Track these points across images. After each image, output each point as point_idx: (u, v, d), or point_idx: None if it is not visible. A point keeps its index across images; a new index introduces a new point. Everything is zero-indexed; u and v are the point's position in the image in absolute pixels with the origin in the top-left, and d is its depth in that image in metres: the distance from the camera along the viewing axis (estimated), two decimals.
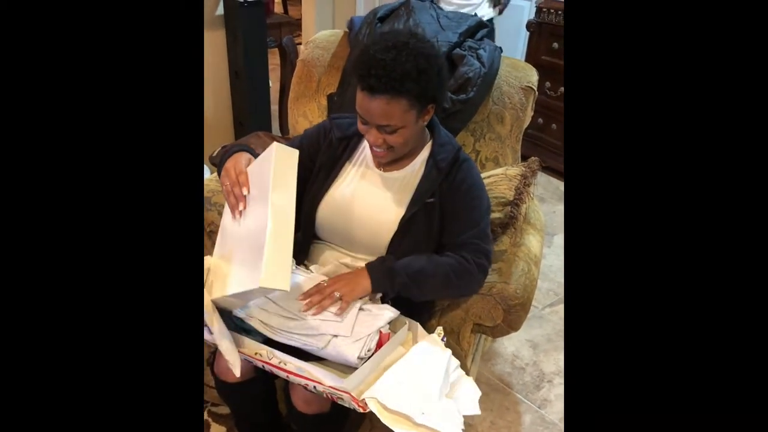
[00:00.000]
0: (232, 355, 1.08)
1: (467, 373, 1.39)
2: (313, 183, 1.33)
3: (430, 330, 1.21)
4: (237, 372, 1.08)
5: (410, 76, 1.08)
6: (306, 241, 1.35)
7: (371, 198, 1.27)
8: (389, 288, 1.20)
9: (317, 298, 1.14)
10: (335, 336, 1.11)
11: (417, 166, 1.27)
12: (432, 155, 1.26)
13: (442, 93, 1.20)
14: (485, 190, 1.29)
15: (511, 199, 1.42)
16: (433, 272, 1.21)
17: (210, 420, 1.64)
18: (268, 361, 1.09)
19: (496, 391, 1.87)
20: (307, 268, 1.33)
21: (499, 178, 1.45)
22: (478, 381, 1.86)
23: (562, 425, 1.76)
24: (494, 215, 1.41)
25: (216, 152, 2.00)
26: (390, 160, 1.24)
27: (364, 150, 1.31)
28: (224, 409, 1.63)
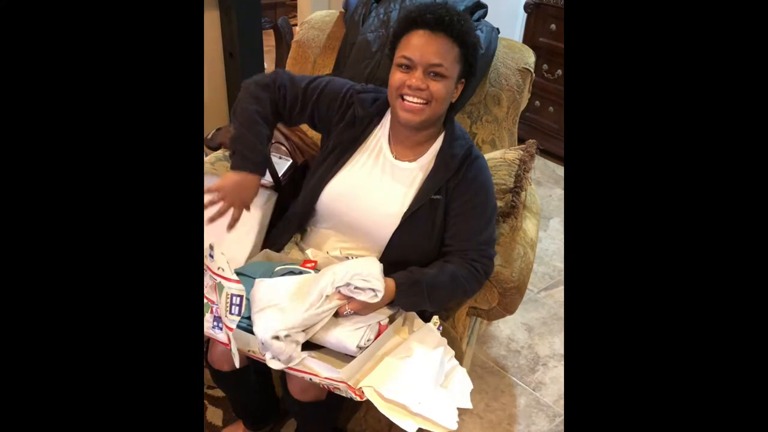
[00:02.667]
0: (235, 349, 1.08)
1: (462, 356, 1.40)
2: (324, 160, 1.28)
3: (426, 318, 1.21)
4: (237, 363, 1.08)
5: (470, 27, 1.16)
6: (305, 217, 1.31)
7: (378, 187, 1.24)
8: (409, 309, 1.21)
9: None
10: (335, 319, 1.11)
11: (428, 158, 1.24)
12: (442, 150, 1.22)
13: (474, 71, 1.22)
14: (494, 189, 1.26)
15: (512, 186, 1.40)
16: (453, 293, 1.21)
17: (206, 403, 1.65)
18: (261, 357, 1.08)
19: (492, 374, 1.88)
20: (302, 251, 1.32)
21: (498, 162, 1.44)
22: (473, 364, 1.89)
23: (556, 408, 1.77)
24: None
25: (210, 134, 1.98)
26: (420, 120, 1.17)
27: (382, 131, 1.27)
28: (220, 392, 1.63)
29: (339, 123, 1.27)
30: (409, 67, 1.14)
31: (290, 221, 1.33)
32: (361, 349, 1.08)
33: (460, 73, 1.18)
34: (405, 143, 1.25)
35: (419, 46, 1.13)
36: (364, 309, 1.11)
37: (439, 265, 1.19)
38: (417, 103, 1.15)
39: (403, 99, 1.15)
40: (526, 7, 3.11)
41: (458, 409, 1.07)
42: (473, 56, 1.17)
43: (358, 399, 1.02)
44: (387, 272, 1.18)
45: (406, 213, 1.20)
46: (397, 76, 1.16)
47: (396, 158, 1.25)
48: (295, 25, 3.23)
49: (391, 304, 1.15)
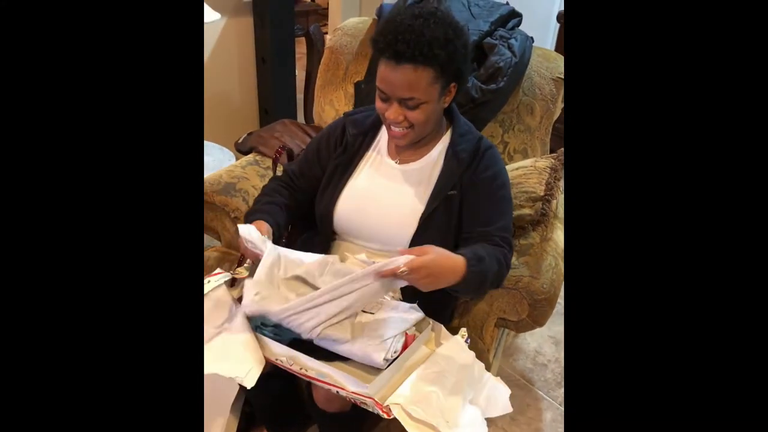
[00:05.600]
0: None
1: (489, 368, 1.37)
2: (329, 182, 1.30)
3: (452, 330, 1.19)
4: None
5: (438, 42, 1.05)
6: (326, 240, 1.33)
7: (388, 193, 1.24)
8: (466, 295, 1.16)
9: (389, 268, 0.99)
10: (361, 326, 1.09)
11: (434, 156, 1.24)
12: (451, 145, 1.22)
13: (467, 69, 1.16)
14: (508, 179, 1.26)
15: (542, 194, 1.39)
16: (500, 272, 1.15)
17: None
18: (289, 366, 1.07)
19: (518, 387, 1.84)
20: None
21: (528, 171, 1.42)
22: (499, 376, 1.85)
23: None
24: (524, 211, 1.38)
25: (241, 139, 2.00)
26: (408, 142, 1.20)
27: (380, 141, 1.29)
28: None
29: (336, 149, 1.31)
30: (384, 99, 1.13)
31: (314, 244, 1.33)
32: (388, 361, 1.06)
33: (443, 86, 1.12)
34: (407, 150, 1.25)
35: (387, 80, 1.09)
36: (426, 281, 1.00)
37: (474, 247, 1.14)
38: (399, 130, 1.15)
39: (389, 125, 1.17)
40: (560, 18, 3.08)
41: (493, 417, 1.05)
42: (453, 67, 1.10)
43: (386, 416, 0.99)
44: None
45: (423, 213, 1.20)
46: (377, 104, 1.16)
47: (399, 163, 1.26)
48: (327, 33, 3.25)
49: (456, 285, 1.07)
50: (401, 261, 0.98)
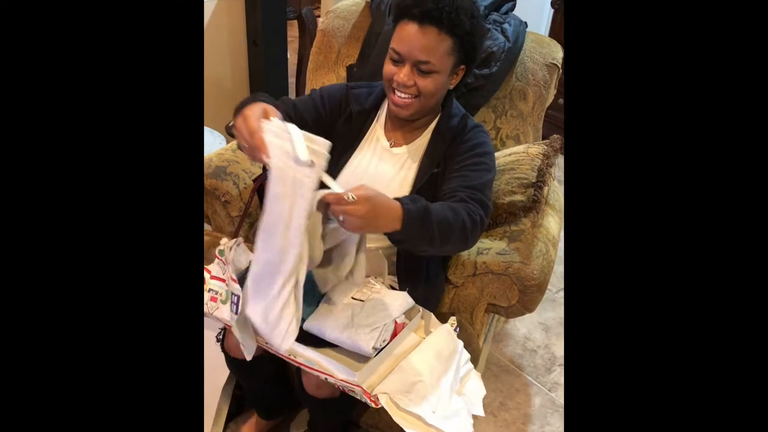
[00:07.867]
0: (247, 341, 1.08)
1: (479, 353, 1.38)
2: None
3: (442, 317, 1.19)
4: (249, 356, 1.08)
5: (465, 12, 1.08)
6: None
7: (379, 176, 1.24)
8: (411, 246, 1.03)
9: (336, 194, 0.93)
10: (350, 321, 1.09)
11: (423, 140, 1.25)
12: (438, 127, 1.23)
13: (479, 53, 1.20)
14: (493, 154, 1.23)
15: (534, 180, 1.38)
16: (453, 225, 1.04)
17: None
18: (277, 351, 1.07)
19: (507, 373, 1.86)
20: None
21: (520, 157, 1.41)
22: (488, 362, 1.86)
23: None
24: (516, 198, 1.37)
25: (232, 122, 1.98)
26: (410, 114, 1.18)
27: (378, 121, 1.28)
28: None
29: (339, 119, 1.29)
30: (397, 61, 1.13)
31: None
32: (376, 350, 1.06)
33: (456, 63, 1.14)
34: (402, 129, 1.26)
35: (407, 40, 1.09)
36: (364, 222, 0.93)
37: (446, 206, 1.08)
38: (405, 98, 1.15)
39: (394, 92, 1.16)
40: (553, 4, 3.06)
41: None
42: (470, 43, 1.12)
43: (373, 405, 0.99)
44: (399, 255, 1.20)
45: (411, 192, 1.20)
46: (387, 68, 1.15)
47: (392, 146, 1.26)
48: (319, 16, 3.22)
49: (394, 233, 0.99)
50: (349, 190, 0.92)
